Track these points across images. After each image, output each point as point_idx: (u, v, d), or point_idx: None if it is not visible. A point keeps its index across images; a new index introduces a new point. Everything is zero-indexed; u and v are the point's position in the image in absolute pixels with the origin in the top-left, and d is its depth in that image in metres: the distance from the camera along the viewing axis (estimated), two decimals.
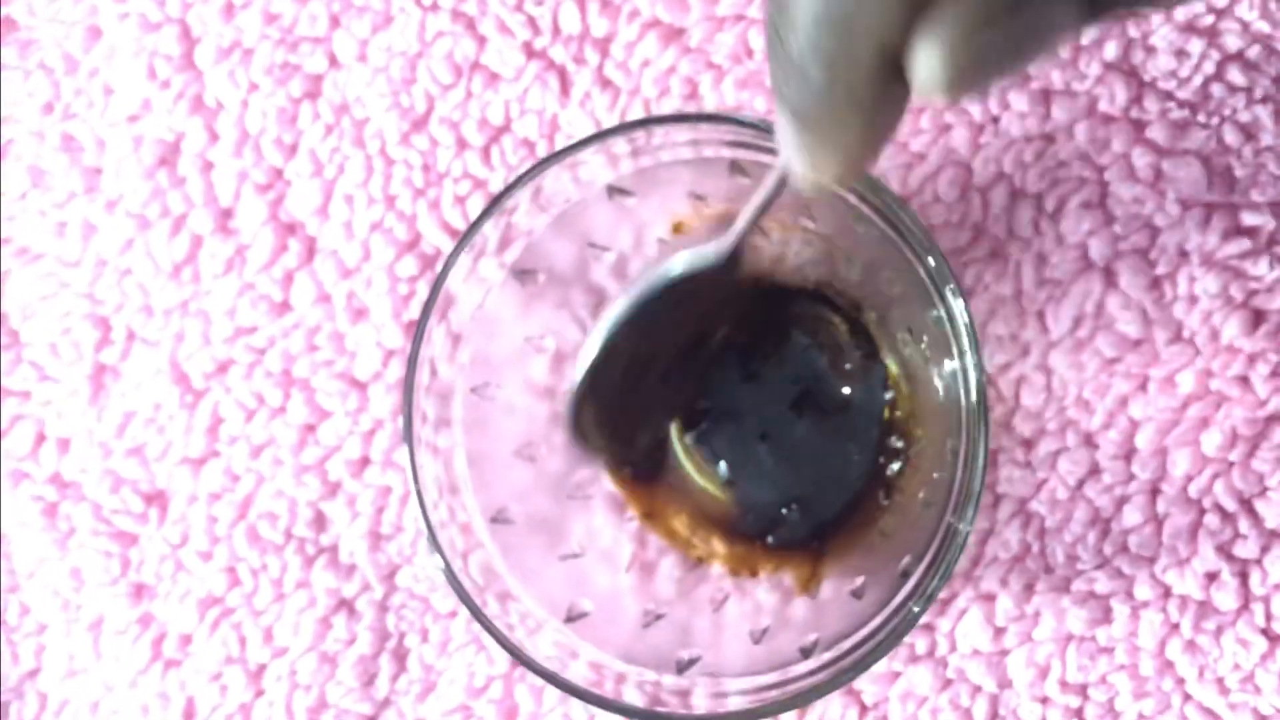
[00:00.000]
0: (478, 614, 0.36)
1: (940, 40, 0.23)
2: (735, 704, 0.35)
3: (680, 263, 0.34)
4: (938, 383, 0.38)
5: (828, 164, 0.27)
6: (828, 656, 0.35)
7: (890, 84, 0.25)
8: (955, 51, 0.23)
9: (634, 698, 0.36)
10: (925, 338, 0.38)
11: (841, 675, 0.34)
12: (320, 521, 0.43)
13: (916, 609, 0.34)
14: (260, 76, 0.43)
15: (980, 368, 0.34)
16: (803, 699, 0.34)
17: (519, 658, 0.36)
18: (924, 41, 0.24)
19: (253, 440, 0.43)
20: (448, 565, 0.36)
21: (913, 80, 0.24)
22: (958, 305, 0.34)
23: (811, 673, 0.35)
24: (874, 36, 0.24)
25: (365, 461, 0.42)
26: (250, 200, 0.43)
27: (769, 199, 0.32)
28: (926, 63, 0.24)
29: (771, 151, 0.35)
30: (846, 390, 0.40)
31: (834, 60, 0.25)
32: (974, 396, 0.34)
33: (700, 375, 0.40)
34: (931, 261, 0.34)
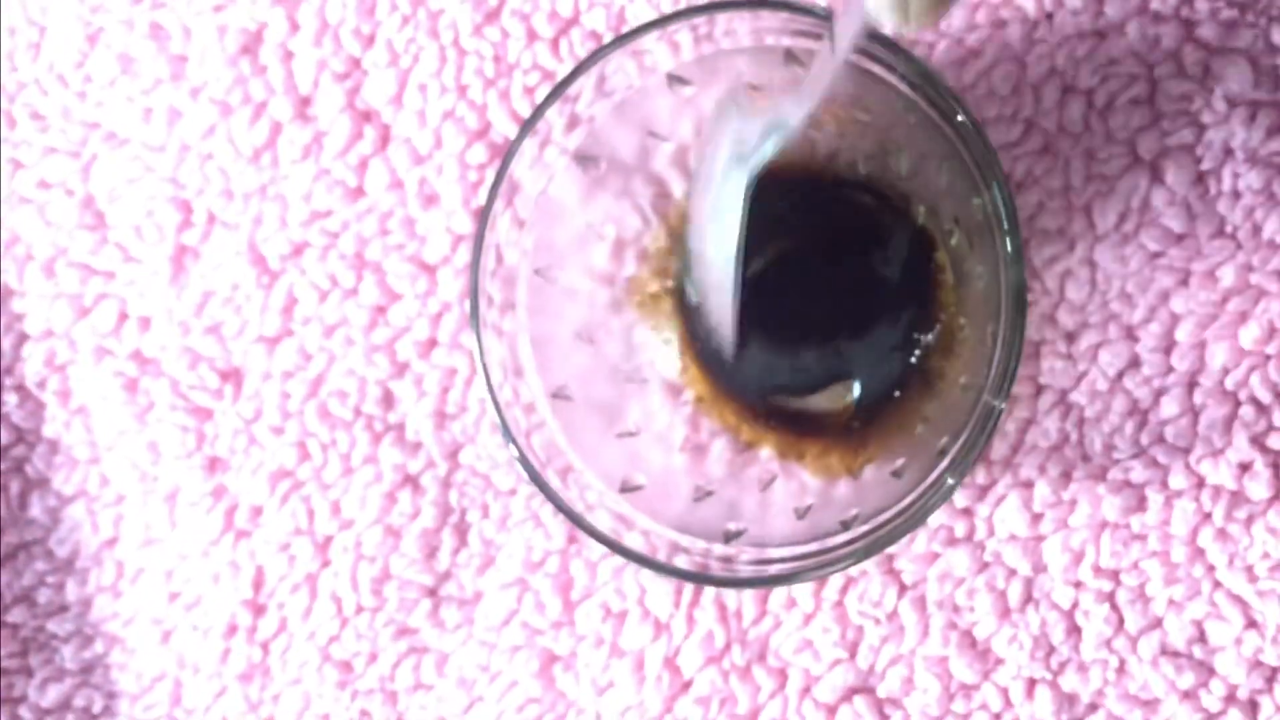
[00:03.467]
0: (541, 484, 0.37)
1: None
2: (777, 570, 0.37)
3: (769, 142, 0.34)
4: (981, 272, 0.39)
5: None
6: (866, 528, 0.37)
7: None
8: None
9: (683, 564, 0.37)
10: (970, 228, 0.38)
11: (878, 543, 0.36)
12: (388, 400, 0.44)
13: (951, 481, 0.35)
14: None
15: (1019, 250, 0.35)
16: (840, 564, 0.36)
17: (580, 524, 0.37)
18: None
19: (325, 320, 0.44)
20: (514, 441, 0.37)
21: None
22: (999, 188, 0.35)
23: (850, 542, 0.36)
24: None
25: (433, 343, 0.44)
26: (328, 89, 0.44)
27: (833, 73, 0.32)
28: None
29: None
30: (895, 283, 0.41)
31: None
32: (1013, 279, 0.35)
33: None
34: (977, 148, 0.35)
